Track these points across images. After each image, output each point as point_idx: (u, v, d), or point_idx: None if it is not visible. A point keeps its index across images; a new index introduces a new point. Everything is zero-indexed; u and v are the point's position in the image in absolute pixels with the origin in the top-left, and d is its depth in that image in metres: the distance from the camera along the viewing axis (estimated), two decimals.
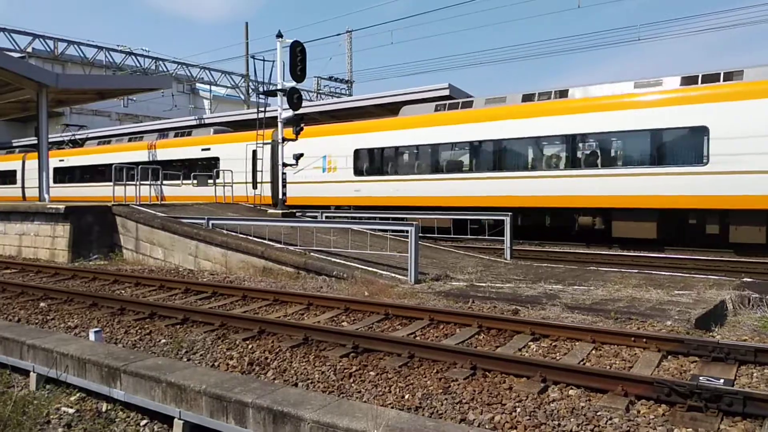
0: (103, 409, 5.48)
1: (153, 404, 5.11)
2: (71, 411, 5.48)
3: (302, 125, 16.91)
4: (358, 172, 19.92)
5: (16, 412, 5.29)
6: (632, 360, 5.52)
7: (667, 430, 4.00)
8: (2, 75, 20.16)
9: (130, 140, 28.65)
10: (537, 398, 4.63)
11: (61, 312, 8.32)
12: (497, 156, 17.10)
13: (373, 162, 19.83)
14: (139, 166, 19.58)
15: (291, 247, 11.73)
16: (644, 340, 5.84)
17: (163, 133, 28.14)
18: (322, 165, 20.61)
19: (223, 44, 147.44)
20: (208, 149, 23.31)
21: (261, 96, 22.51)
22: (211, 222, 13.50)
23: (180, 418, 4.88)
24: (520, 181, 16.50)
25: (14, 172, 33.34)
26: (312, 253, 11.31)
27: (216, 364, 5.86)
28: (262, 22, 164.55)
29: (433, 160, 18.56)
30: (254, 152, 21.22)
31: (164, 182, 23.20)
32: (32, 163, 31.10)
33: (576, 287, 9.05)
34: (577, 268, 11.87)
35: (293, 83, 16.46)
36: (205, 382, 4.85)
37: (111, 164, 25.85)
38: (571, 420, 4.21)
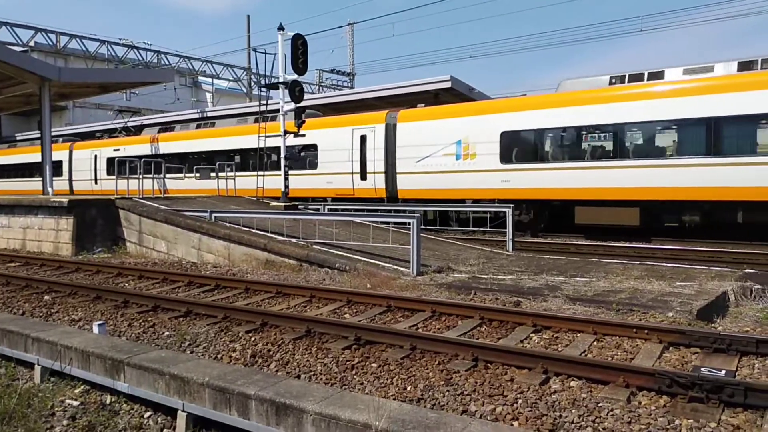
0: (107, 402, 5.52)
1: (156, 396, 5.15)
2: (75, 403, 5.52)
3: (304, 119, 16.92)
4: (505, 158, 16.81)
5: (21, 404, 5.34)
6: (634, 351, 5.53)
7: (669, 421, 4.01)
8: (5, 69, 20.16)
9: (198, 126, 25.97)
10: (538, 389, 4.65)
11: (65, 305, 8.37)
12: (711, 138, 13.95)
13: (527, 147, 16.78)
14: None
15: (293, 240, 11.76)
16: (646, 331, 5.85)
17: (241, 118, 25.11)
18: (456, 151, 17.58)
19: (224, 37, 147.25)
20: (303, 135, 20.30)
21: (263, 89, 21.98)
22: (213, 215, 13.54)
23: (183, 410, 4.92)
24: (746, 168, 13.40)
25: (60, 163, 29.58)
26: (314, 246, 11.33)
27: (219, 356, 5.89)
28: (263, 15, 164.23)
29: (614, 142, 15.39)
30: (363, 138, 19.30)
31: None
32: (81, 153, 29.63)
33: (578, 279, 9.06)
34: (579, 259, 11.86)
35: (295, 76, 16.47)
36: (208, 375, 4.88)
37: (177, 154, 24.09)
38: (573, 411, 4.22)
